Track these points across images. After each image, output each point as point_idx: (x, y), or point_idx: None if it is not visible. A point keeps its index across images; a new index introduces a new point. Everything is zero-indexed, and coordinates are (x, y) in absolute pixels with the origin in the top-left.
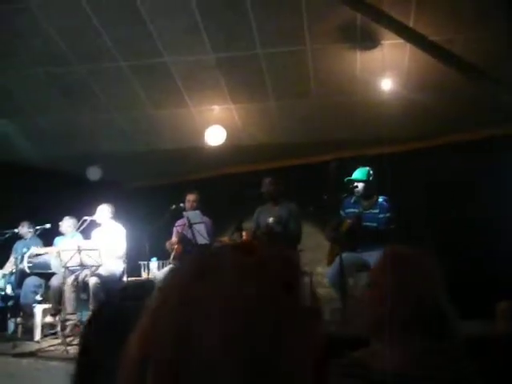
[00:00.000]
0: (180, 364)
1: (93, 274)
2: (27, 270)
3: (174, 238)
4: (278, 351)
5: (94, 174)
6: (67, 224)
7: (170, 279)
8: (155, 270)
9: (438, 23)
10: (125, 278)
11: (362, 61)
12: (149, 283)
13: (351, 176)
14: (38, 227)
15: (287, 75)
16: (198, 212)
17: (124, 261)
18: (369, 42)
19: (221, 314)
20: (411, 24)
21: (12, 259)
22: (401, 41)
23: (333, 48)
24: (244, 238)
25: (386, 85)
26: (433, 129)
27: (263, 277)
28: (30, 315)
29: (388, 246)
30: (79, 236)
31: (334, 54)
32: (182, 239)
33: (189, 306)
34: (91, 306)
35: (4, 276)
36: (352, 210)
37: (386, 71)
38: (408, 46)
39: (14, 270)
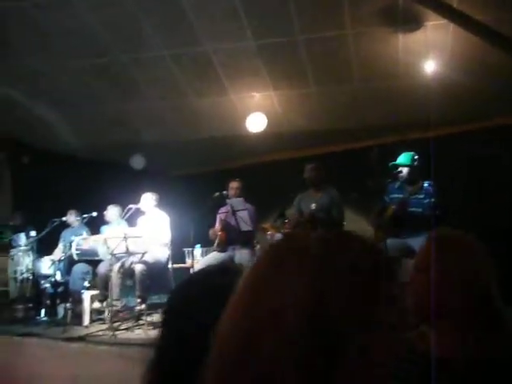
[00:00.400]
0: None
1: (139, 261)
2: (75, 258)
3: (218, 225)
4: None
5: (137, 162)
6: (112, 212)
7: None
8: (199, 257)
9: (484, 2)
10: (170, 265)
11: (405, 43)
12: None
13: (395, 161)
14: (84, 215)
15: (328, 61)
16: (241, 199)
17: (169, 248)
18: (411, 24)
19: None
20: (455, 4)
21: (60, 247)
22: (444, 21)
23: (374, 32)
24: (286, 224)
25: (430, 67)
26: (478, 111)
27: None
28: (79, 301)
29: (435, 229)
30: (125, 224)
31: (375, 38)
32: (226, 226)
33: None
34: (137, 293)
35: (53, 263)
36: (396, 195)
37: (429, 53)
38: (452, 26)
39: (62, 258)
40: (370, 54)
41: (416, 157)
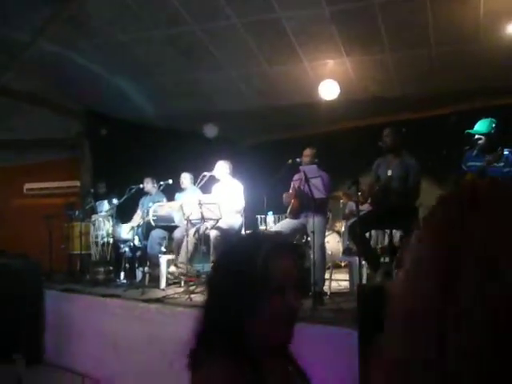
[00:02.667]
0: None
1: (213, 227)
2: (152, 223)
3: (292, 192)
4: None
5: (211, 131)
6: (187, 179)
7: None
8: (272, 224)
9: None
10: (243, 232)
11: (486, 4)
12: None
13: (469, 130)
14: (161, 183)
15: (404, 25)
16: (314, 166)
17: (242, 215)
18: None
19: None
20: None
21: (139, 213)
22: None
23: None
24: (360, 192)
25: None
26: None
27: None
28: (156, 265)
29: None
30: (199, 191)
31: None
32: (299, 193)
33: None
34: (212, 258)
35: (132, 228)
36: (474, 163)
37: None
38: None
39: (140, 223)
40: (448, 16)
41: (494, 124)
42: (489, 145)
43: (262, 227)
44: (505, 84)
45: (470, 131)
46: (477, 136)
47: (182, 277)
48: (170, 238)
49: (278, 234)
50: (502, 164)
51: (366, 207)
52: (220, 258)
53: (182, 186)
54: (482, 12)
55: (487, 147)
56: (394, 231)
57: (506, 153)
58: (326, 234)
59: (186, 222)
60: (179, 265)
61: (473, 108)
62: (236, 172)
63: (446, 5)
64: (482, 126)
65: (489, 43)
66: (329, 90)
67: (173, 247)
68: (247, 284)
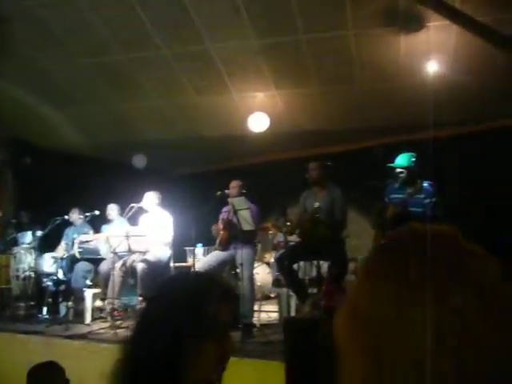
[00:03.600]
0: None
1: (140, 260)
2: (77, 256)
3: (220, 224)
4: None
5: (139, 161)
6: (114, 211)
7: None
8: (201, 256)
9: (487, 2)
10: (171, 264)
11: (407, 44)
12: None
13: (391, 164)
14: (87, 214)
15: (330, 61)
16: (242, 198)
17: (170, 247)
18: (413, 24)
19: None
20: (457, 4)
21: (63, 244)
22: (447, 22)
23: (376, 32)
24: (289, 223)
25: (432, 68)
26: (480, 113)
27: None
28: (81, 299)
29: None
30: (126, 223)
31: (377, 39)
32: (227, 225)
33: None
34: (139, 291)
35: (56, 261)
36: (396, 195)
37: (432, 54)
38: (454, 27)
39: (65, 256)
40: (372, 54)
41: (414, 158)
42: (409, 178)
43: (191, 259)
44: (424, 120)
45: (391, 165)
46: (398, 169)
47: (112, 312)
48: (96, 271)
49: (222, 278)
50: (422, 196)
51: (294, 238)
52: (161, 295)
53: (109, 218)
54: (403, 51)
55: (408, 180)
56: (321, 262)
57: (425, 185)
58: (256, 265)
59: (112, 255)
60: (108, 300)
61: (396, 141)
62: (166, 203)
63: (370, 43)
64: (402, 160)
65: (409, 81)
66: (258, 123)
67: (99, 280)
68: (191, 324)
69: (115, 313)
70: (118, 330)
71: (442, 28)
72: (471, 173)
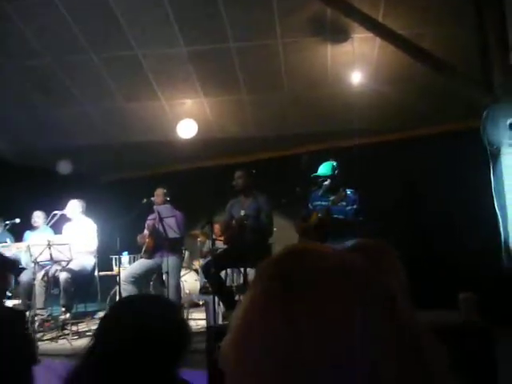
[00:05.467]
0: None
1: (63, 269)
2: None
3: (146, 232)
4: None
5: (64, 167)
6: (40, 218)
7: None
8: (126, 264)
9: (407, 17)
10: (96, 273)
11: (333, 54)
12: None
13: (314, 174)
14: (7, 222)
15: (259, 69)
16: (168, 206)
17: (95, 255)
18: (339, 35)
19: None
20: (380, 18)
21: None
22: (370, 34)
23: (304, 41)
24: (215, 230)
25: (356, 78)
26: (401, 122)
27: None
28: None
29: (355, 241)
30: (50, 230)
31: (305, 48)
32: (153, 233)
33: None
34: (62, 301)
35: None
36: (319, 202)
37: (356, 64)
38: (377, 39)
39: None
40: (299, 63)
41: (336, 166)
42: (332, 186)
43: (116, 268)
44: (348, 128)
45: (315, 174)
46: (321, 178)
47: (42, 323)
48: (16, 282)
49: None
50: (345, 203)
51: (221, 245)
52: (123, 316)
53: (35, 225)
54: (330, 61)
55: (331, 188)
56: (248, 269)
57: (348, 193)
58: (184, 272)
59: (33, 264)
60: (37, 311)
61: (322, 148)
62: (90, 209)
63: (298, 52)
64: (325, 169)
65: (335, 89)
66: (186, 129)
67: (19, 291)
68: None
69: (45, 324)
70: (39, 343)
71: (366, 40)
72: (394, 179)
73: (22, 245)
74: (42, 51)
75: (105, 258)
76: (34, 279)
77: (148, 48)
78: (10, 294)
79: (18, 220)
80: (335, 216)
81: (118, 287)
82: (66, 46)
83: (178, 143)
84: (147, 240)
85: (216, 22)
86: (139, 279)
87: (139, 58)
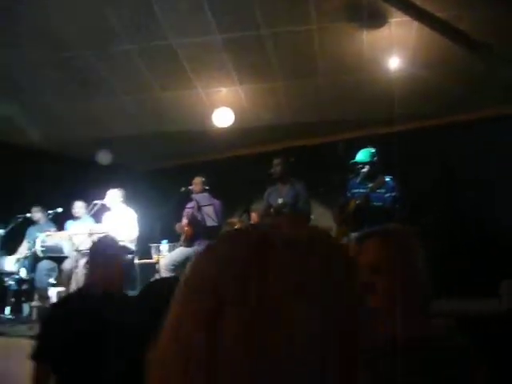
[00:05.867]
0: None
1: None
2: (40, 254)
3: (184, 220)
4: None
5: (103, 157)
6: (78, 208)
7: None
8: (165, 252)
9: (445, 0)
10: (136, 261)
11: (369, 39)
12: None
13: (352, 161)
14: (50, 212)
15: (294, 55)
16: (206, 194)
17: (135, 244)
18: (375, 20)
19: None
20: (418, 2)
21: (25, 244)
22: (407, 18)
23: (339, 27)
24: (253, 219)
25: (393, 63)
26: (440, 107)
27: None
28: (45, 298)
29: (379, 229)
30: (90, 220)
31: (340, 33)
32: (192, 221)
33: None
34: None
35: (18, 260)
36: (357, 190)
37: (393, 49)
38: (415, 23)
39: (27, 254)
40: (335, 48)
41: (374, 152)
42: (371, 173)
43: (156, 256)
44: (385, 114)
45: (353, 161)
46: (359, 165)
47: None
48: (60, 270)
49: None
50: (383, 190)
51: None
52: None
53: (77, 215)
54: (365, 46)
55: (369, 175)
56: None
57: (387, 179)
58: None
59: (75, 253)
60: None
61: (359, 136)
62: (130, 199)
63: (333, 38)
64: (363, 156)
65: (371, 75)
66: (222, 118)
67: (62, 279)
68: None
69: None
70: None
71: (403, 24)
72: (434, 166)
73: (64, 234)
74: (78, 43)
75: (144, 246)
76: (76, 267)
77: (183, 37)
78: (53, 282)
79: (60, 210)
80: (374, 203)
81: (157, 275)
82: (102, 37)
83: (215, 132)
84: (186, 228)
85: (250, 8)
86: (179, 267)
87: (174, 48)
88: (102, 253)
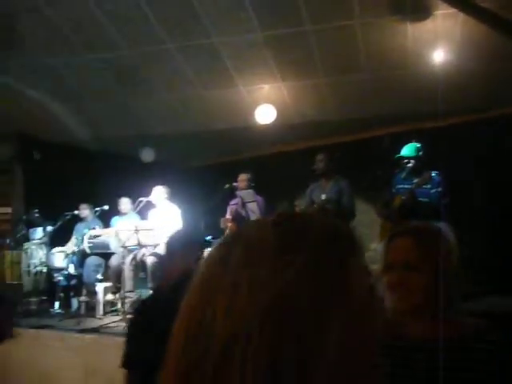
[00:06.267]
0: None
1: (150, 254)
2: (87, 251)
3: (228, 216)
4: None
5: (147, 155)
6: (124, 204)
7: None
8: (209, 248)
9: None
10: None
11: (413, 33)
12: None
13: (397, 155)
14: (97, 209)
15: (336, 51)
16: (250, 191)
17: None
18: (420, 13)
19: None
20: None
21: (73, 240)
22: (453, 10)
23: (383, 21)
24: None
25: (439, 56)
26: (487, 101)
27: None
28: (93, 293)
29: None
30: (136, 216)
31: (384, 28)
32: (236, 217)
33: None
34: (149, 284)
35: (67, 256)
36: (402, 186)
37: (439, 42)
38: (460, 15)
39: (75, 251)
40: (378, 43)
41: (420, 147)
42: (416, 168)
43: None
44: (431, 109)
45: (398, 155)
46: (405, 160)
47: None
48: (107, 266)
49: None
50: (429, 185)
51: None
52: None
53: (123, 212)
54: (410, 40)
55: (415, 170)
56: None
57: (432, 175)
58: None
59: (122, 249)
60: (126, 294)
61: (403, 131)
62: (174, 195)
63: (376, 32)
64: (409, 150)
65: (416, 69)
66: (265, 115)
67: (109, 275)
68: None
69: (127, 306)
70: None
71: (449, 16)
72: (480, 161)
73: (110, 230)
74: (120, 42)
75: None
76: (123, 263)
77: (224, 35)
78: (101, 277)
79: (106, 207)
80: (419, 199)
81: None
82: (143, 37)
83: (257, 129)
84: (229, 224)
85: (292, 4)
86: None
87: (216, 46)
88: (180, 247)
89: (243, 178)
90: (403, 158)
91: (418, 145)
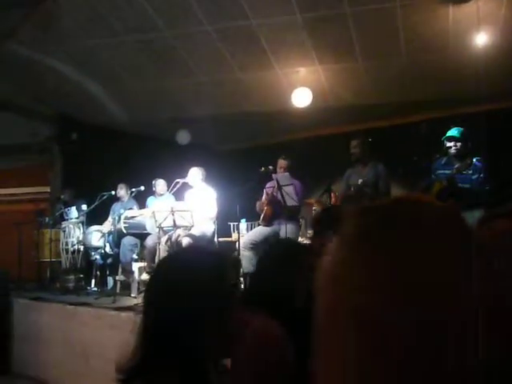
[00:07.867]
0: None
1: (185, 235)
2: (123, 231)
3: (264, 200)
4: None
5: (183, 137)
6: (161, 186)
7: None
8: (244, 231)
9: None
10: (215, 239)
11: (455, 15)
12: None
13: (444, 136)
14: (133, 189)
15: (375, 34)
16: (287, 174)
17: (215, 222)
18: None
19: None
20: None
21: (110, 220)
22: None
23: (424, 3)
24: (333, 199)
25: (481, 39)
26: None
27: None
28: (128, 272)
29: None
30: (172, 198)
31: (424, 10)
32: (272, 201)
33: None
34: None
35: (103, 235)
36: (443, 171)
37: (481, 25)
38: None
39: (111, 230)
40: (418, 26)
41: (464, 132)
42: (460, 152)
43: (235, 234)
44: (472, 93)
45: (445, 136)
46: (448, 144)
47: None
48: (142, 246)
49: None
50: (470, 172)
51: None
52: (186, 268)
53: (159, 193)
54: (451, 22)
55: (458, 154)
56: None
57: (474, 161)
58: (299, 240)
59: (158, 230)
60: None
61: (444, 116)
62: (210, 178)
63: (417, 15)
64: (456, 132)
65: (457, 53)
66: (301, 98)
67: (144, 255)
68: (216, 298)
69: None
70: None
71: None
72: None
73: (146, 211)
74: (158, 24)
75: (224, 224)
76: (158, 243)
77: (262, 17)
78: (136, 257)
79: (142, 188)
80: (460, 185)
81: (236, 253)
82: (181, 18)
83: (293, 112)
84: (265, 208)
85: None
86: (258, 246)
87: (253, 28)
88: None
89: (282, 164)
90: (450, 137)
91: (464, 129)
